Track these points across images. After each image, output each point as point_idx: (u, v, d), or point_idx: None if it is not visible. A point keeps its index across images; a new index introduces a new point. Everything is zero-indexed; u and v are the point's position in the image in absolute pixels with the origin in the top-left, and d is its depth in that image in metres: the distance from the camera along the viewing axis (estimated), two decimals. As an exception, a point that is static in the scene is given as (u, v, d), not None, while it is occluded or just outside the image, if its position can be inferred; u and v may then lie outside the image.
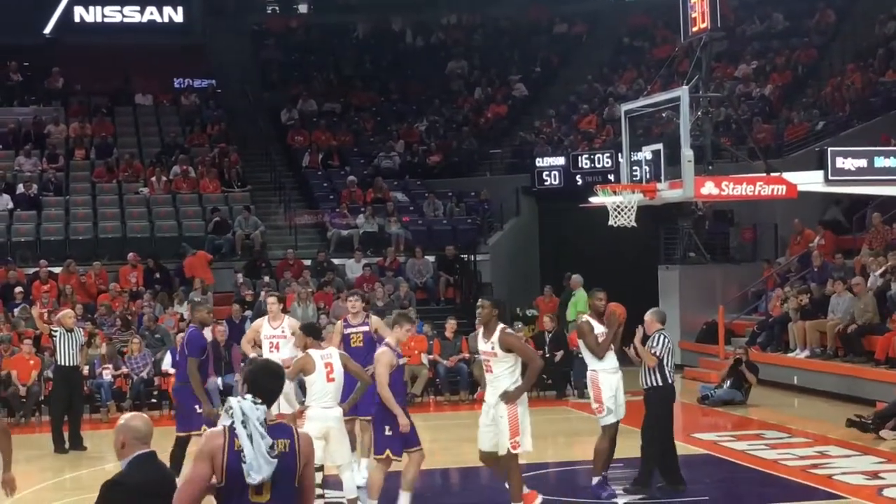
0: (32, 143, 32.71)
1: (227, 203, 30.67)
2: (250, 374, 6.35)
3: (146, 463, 6.22)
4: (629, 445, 14.33)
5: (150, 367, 22.36)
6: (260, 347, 15.88)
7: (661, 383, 13.31)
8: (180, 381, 14.42)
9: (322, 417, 11.92)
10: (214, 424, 13.46)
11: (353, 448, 13.73)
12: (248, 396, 6.10)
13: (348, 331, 14.40)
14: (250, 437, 5.92)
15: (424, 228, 30.34)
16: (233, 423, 6.04)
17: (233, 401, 6.09)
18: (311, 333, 12.48)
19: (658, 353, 13.20)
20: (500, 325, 11.55)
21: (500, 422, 11.47)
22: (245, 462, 5.90)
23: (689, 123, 19.40)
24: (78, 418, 18.58)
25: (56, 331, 18.25)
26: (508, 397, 11.44)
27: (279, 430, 6.13)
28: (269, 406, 6.13)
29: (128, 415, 6.38)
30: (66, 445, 17.99)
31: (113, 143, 33.70)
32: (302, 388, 12.88)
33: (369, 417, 13.46)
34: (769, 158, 23.95)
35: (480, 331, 11.77)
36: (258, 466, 5.90)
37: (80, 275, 26.39)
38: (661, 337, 13.31)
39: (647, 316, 13.55)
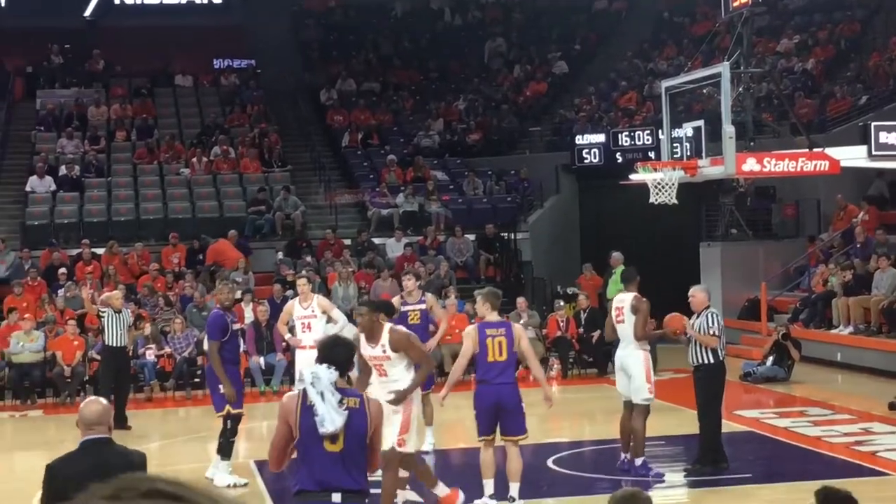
0: (74, 125, 32.91)
1: (268, 183, 30.74)
2: (323, 348, 7.28)
3: (91, 448, 6.44)
4: (672, 423, 14.32)
5: (192, 347, 22.48)
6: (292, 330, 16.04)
7: (713, 361, 13.26)
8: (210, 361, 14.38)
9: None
10: (239, 405, 13.72)
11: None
12: (324, 365, 6.94)
13: (405, 308, 14.88)
14: (321, 394, 6.77)
15: (464, 207, 30.31)
16: (305, 387, 6.93)
17: (304, 369, 7.21)
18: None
19: (717, 333, 13.17)
20: (388, 325, 11.17)
21: (392, 417, 10.83)
22: (317, 416, 6.74)
23: (731, 99, 19.31)
24: (124, 398, 18.69)
25: (104, 311, 18.37)
26: (396, 398, 10.97)
27: (349, 392, 7.11)
28: (342, 375, 7.01)
29: (88, 398, 6.83)
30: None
31: (154, 124, 33.85)
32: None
33: (430, 391, 14.53)
34: (812, 134, 23.81)
35: (363, 338, 11.12)
36: (331, 418, 6.73)
37: (123, 255, 26.54)
38: (715, 316, 13.28)
39: (698, 293, 13.49)
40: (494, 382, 11.63)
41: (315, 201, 31.43)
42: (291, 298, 18.70)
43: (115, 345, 18.34)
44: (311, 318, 15.61)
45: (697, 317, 13.30)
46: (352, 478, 6.89)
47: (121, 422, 18.29)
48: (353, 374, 12.90)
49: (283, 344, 21.48)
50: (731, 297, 26.51)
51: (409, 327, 13.68)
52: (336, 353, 7.09)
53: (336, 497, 6.84)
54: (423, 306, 15.19)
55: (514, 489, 11.93)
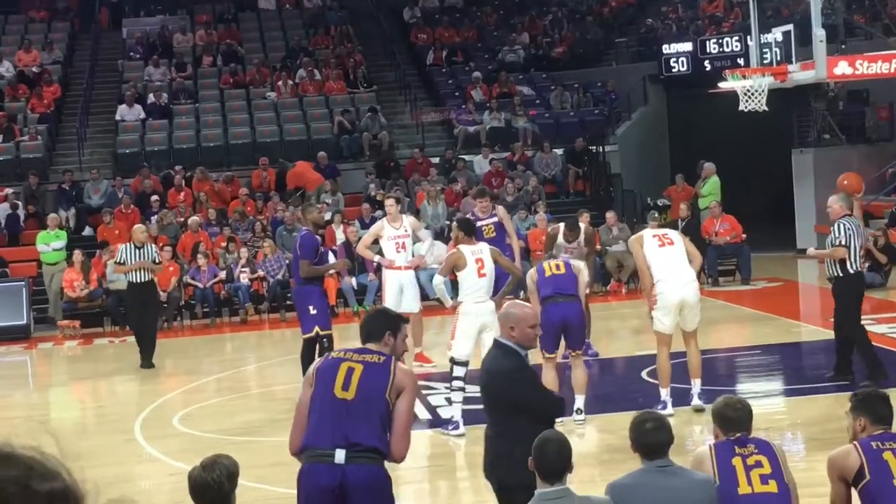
0: (160, 52, 33.10)
1: (354, 104, 30.74)
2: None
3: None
4: (765, 332, 14.15)
5: (284, 270, 22.66)
6: (380, 252, 16.05)
7: (841, 273, 13.13)
8: (297, 283, 14.56)
9: (476, 312, 12.18)
10: (328, 326, 13.89)
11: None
12: None
13: (479, 223, 15.18)
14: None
15: (552, 121, 30.12)
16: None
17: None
18: (464, 229, 12.69)
19: (844, 242, 12.97)
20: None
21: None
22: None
23: (820, 1, 18.90)
24: (151, 336, 17.99)
25: (123, 248, 18.05)
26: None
27: (378, 359, 6.41)
28: None
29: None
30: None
31: (239, 49, 33.94)
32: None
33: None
34: (905, 34, 23.27)
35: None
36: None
37: (214, 181, 26.70)
38: (841, 226, 13.10)
39: (832, 204, 13.40)
40: (560, 301, 12.04)
41: (401, 121, 31.42)
42: (380, 219, 18.78)
43: (136, 280, 17.72)
44: (404, 238, 15.72)
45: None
46: (364, 431, 6.18)
47: (147, 360, 17.73)
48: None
49: (375, 264, 21.58)
50: (825, 203, 26.00)
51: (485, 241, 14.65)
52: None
53: (340, 455, 6.14)
54: (494, 220, 16.03)
55: (580, 401, 12.13)
